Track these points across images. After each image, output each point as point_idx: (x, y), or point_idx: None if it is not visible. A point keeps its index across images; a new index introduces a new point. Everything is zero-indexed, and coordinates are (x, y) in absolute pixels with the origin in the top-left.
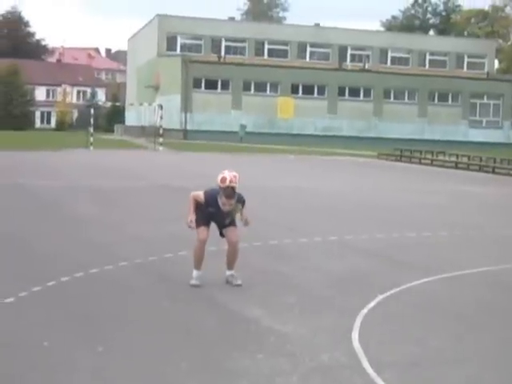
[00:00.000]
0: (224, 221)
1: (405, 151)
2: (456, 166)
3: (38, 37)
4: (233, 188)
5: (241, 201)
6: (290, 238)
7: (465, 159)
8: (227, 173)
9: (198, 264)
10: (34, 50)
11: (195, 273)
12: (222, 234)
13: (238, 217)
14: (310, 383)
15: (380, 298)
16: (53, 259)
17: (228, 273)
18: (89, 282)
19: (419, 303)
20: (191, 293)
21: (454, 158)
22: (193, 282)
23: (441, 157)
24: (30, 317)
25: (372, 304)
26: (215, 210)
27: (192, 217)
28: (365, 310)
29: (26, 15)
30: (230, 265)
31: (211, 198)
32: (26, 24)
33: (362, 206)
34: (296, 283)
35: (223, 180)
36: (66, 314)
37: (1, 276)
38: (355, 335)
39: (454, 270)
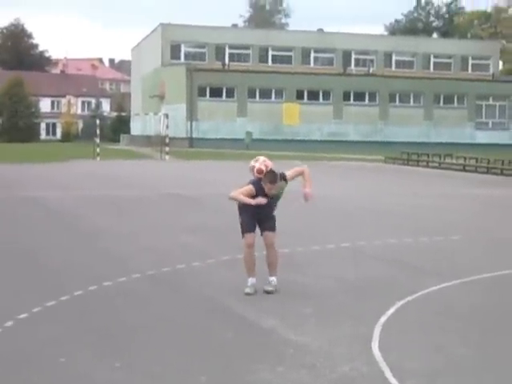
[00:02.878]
0: (272, 209)
1: (412, 155)
2: (464, 169)
3: (41, 48)
4: (272, 172)
5: (282, 177)
6: (302, 245)
7: (472, 161)
8: (258, 164)
9: (249, 271)
10: (38, 62)
11: (249, 281)
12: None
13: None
14: None
15: (398, 305)
16: (65, 272)
17: (269, 279)
18: (103, 296)
19: (438, 310)
20: (207, 304)
21: (461, 161)
22: (246, 290)
23: (448, 160)
24: (44, 332)
25: (390, 311)
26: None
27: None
28: (383, 318)
29: (29, 27)
30: (270, 270)
31: (259, 187)
32: (30, 36)
33: (372, 211)
34: (311, 292)
35: (260, 171)
36: (81, 328)
37: (13, 291)
38: (375, 344)
39: (469, 275)
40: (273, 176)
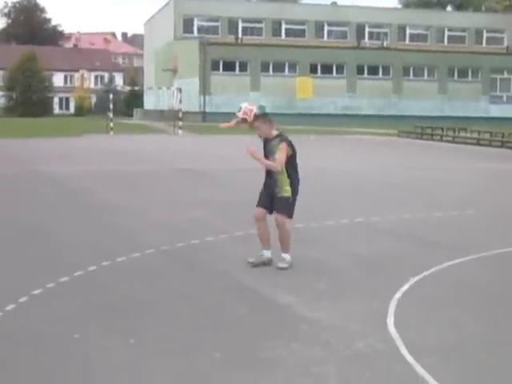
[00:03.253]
0: (274, 179)
1: (426, 128)
2: (478, 143)
3: (54, 23)
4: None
5: (280, 136)
6: (316, 221)
7: (487, 135)
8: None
9: (262, 244)
10: (51, 36)
11: (263, 252)
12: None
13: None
14: (347, 372)
15: (413, 281)
16: (78, 248)
17: (282, 255)
18: (116, 271)
19: (453, 285)
20: (221, 279)
21: (475, 135)
22: (249, 259)
23: (462, 134)
24: (59, 308)
25: (405, 287)
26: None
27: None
28: (398, 294)
29: (42, 1)
30: (282, 248)
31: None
32: (42, 10)
33: (386, 185)
34: (326, 267)
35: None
36: (95, 304)
37: (27, 267)
38: (390, 320)
39: (485, 250)
40: (257, 116)
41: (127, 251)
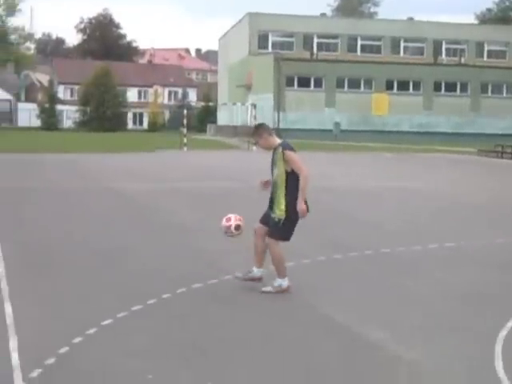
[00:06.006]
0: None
1: (506, 147)
2: None
3: (128, 38)
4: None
5: (282, 146)
6: (402, 245)
7: None
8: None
9: (254, 260)
10: (126, 52)
11: (253, 269)
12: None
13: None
14: None
15: None
16: (152, 273)
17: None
18: (192, 299)
19: None
20: (305, 312)
21: None
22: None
23: None
24: (129, 342)
25: (511, 324)
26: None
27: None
28: (504, 332)
29: (117, 17)
30: (275, 270)
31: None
32: (117, 26)
33: (471, 207)
34: (418, 299)
35: (237, 227)
36: (169, 338)
37: (97, 294)
38: (499, 363)
39: None
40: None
41: (204, 277)
